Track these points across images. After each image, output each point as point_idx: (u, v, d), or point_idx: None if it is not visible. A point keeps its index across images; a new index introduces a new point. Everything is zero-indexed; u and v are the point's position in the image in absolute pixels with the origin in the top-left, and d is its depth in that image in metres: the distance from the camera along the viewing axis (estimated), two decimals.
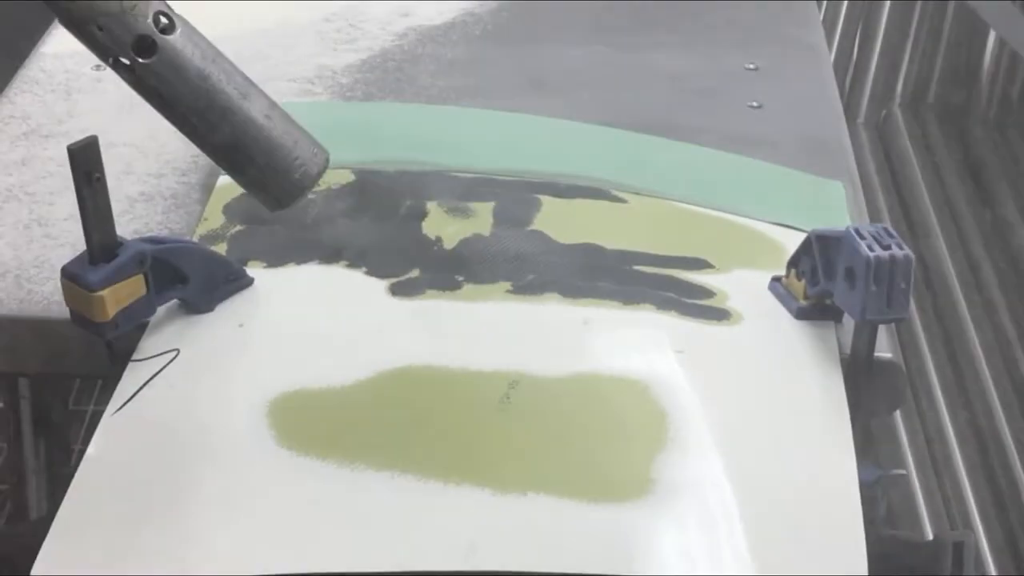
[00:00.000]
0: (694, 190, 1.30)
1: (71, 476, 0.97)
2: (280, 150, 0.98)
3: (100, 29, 0.90)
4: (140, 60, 0.92)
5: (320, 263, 1.18)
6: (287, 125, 0.99)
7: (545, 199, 1.27)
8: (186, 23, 0.94)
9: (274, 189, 1.00)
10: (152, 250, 1.04)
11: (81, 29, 0.91)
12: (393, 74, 1.52)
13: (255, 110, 0.97)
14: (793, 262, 1.12)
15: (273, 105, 0.99)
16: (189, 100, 0.95)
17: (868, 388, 1.07)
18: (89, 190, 0.99)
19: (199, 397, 1.04)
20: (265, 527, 0.93)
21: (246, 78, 0.97)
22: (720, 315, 1.13)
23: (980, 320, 2.34)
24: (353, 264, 1.18)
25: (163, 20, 0.92)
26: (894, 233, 1.02)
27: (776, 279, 1.15)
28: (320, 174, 1.01)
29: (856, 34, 2.93)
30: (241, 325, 1.11)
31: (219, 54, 0.96)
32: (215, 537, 0.93)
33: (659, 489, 0.96)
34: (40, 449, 1.43)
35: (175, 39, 0.93)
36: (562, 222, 1.24)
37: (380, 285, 1.15)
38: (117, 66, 0.92)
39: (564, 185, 1.30)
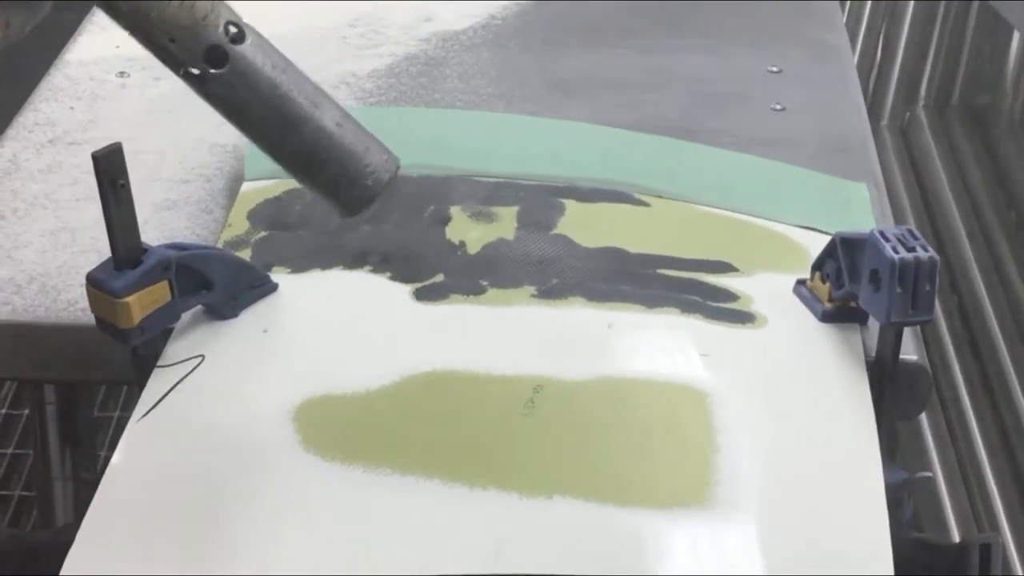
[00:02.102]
0: (718, 193, 1.30)
1: (97, 483, 0.97)
2: (351, 157, 0.98)
3: (173, 41, 0.90)
4: (212, 71, 0.92)
5: (344, 268, 1.18)
6: (358, 132, 0.99)
7: (568, 203, 1.27)
8: (256, 33, 0.93)
9: (345, 196, 0.99)
10: (177, 256, 1.05)
11: (154, 42, 0.91)
12: (416, 79, 1.52)
13: (326, 118, 0.97)
14: (818, 265, 1.12)
15: (344, 113, 0.98)
16: (260, 110, 0.94)
17: (893, 390, 1.07)
18: (114, 197, 0.99)
19: (224, 403, 1.04)
20: (290, 532, 0.93)
21: (316, 87, 0.97)
22: (745, 318, 1.13)
23: (1005, 321, 2.33)
24: (377, 269, 1.18)
25: (233, 30, 0.92)
26: (919, 235, 1.02)
27: (801, 282, 1.15)
28: (392, 180, 1.00)
29: (880, 36, 2.93)
30: (266, 331, 1.11)
31: (289, 63, 0.95)
32: (241, 542, 0.93)
33: (684, 492, 0.96)
34: (66, 456, 1.43)
35: (246, 48, 0.92)
36: (586, 226, 1.24)
37: (404, 290, 1.15)
38: (188, 77, 0.92)
39: (587, 189, 1.30)
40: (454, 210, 1.25)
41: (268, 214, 1.25)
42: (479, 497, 0.95)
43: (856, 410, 1.03)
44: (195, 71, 0.91)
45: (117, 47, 1.55)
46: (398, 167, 1.01)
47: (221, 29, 0.91)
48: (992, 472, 2.07)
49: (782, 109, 1.48)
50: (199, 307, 1.10)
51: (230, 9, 0.92)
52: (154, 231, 1.23)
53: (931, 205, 2.68)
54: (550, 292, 1.15)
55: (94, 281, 1.02)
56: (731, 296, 1.15)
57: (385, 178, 0.99)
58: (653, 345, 1.11)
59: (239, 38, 0.92)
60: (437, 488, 0.96)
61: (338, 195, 0.99)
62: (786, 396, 1.05)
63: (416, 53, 1.58)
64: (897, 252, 1.00)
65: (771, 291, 1.16)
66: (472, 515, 0.94)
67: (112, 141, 0.99)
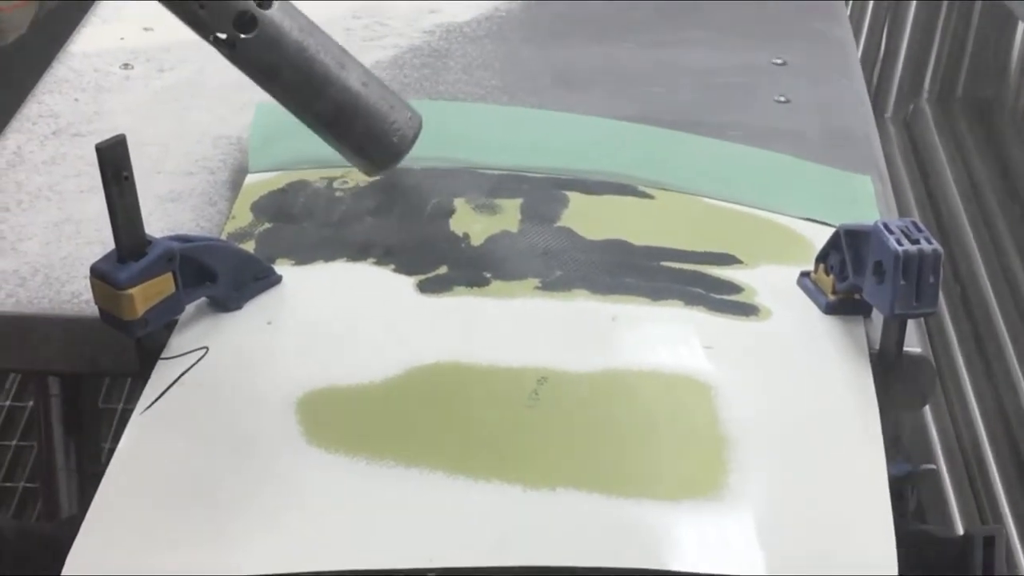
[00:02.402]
0: (721, 185, 1.30)
1: (101, 474, 0.97)
2: (377, 116, 1.00)
3: (203, 8, 0.91)
4: (241, 36, 0.93)
5: (348, 261, 1.18)
6: (383, 91, 1.01)
7: (572, 195, 1.27)
8: None
9: (373, 153, 1.01)
10: (181, 248, 1.05)
11: (184, 8, 0.92)
12: (420, 71, 1.52)
13: (352, 78, 0.98)
14: (821, 257, 1.12)
15: (368, 72, 1.00)
16: (288, 72, 0.96)
17: (897, 383, 1.07)
18: (117, 188, 0.99)
19: (228, 395, 1.04)
20: (294, 524, 0.93)
21: (341, 48, 0.99)
22: (748, 310, 1.13)
23: (1009, 314, 2.33)
24: (381, 261, 1.18)
25: None
26: (923, 227, 1.02)
27: (804, 274, 1.15)
28: (416, 137, 1.02)
29: (884, 28, 2.92)
30: (270, 323, 1.11)
31: (314, 26, 0.97)
32: (245, 534, 0.93)
33: (687, 485, 0.96)
34: (70, 447, 1.43)
35: (273, 13, 0.94)
36: (590, 218, 1.24)
37: (408, 282, 1.15)
38: (217, 42, 0.93)
39: (591, 181, 1.30)
40: (458, 202, 1.25)
41: (272, 206, 1.25)
42: (483, 489, 0.95)
43: (860, 402, 1.03)
44: (224, 36, 0.92)
45: (121, 39, 1.55)
46: (421, 124, 1.02)
47: None
48: (996, 465, 2.07)
49: (786, 101, 1.48)
50: (203, 299, 1.10)
51: None
52: (158, 223, 1.23)
53: (935, 198, 2.67)
54: (554, 284, 1.15)
55: (98, 273, 1.02)
56: (735, 288, 1.15)
57: (410, 135, 1.01)
58: (657, 337, 1.11)
59: (266, 3, 0.93)
60: (441, 480, 0.96)
61: (365, 152, 1.01)
62: (790, 388, 1.05)
63: (420, 45, 1.58)
64: (901, 244, 1.00)
65: (775, 283, 1.16)
66: (476, 507, 0.94)
67: (116, 133, 0.99)
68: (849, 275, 1.08)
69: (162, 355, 1.06)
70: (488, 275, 1.16)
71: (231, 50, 0.93)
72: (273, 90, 0.97)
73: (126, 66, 1.51)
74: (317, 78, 0.96)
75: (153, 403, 1.02)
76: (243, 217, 1.24)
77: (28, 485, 2.04)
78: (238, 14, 0.92)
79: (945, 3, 2.89)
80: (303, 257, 1.18)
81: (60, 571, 0.89)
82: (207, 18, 0.92)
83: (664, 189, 1.29)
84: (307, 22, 0.96)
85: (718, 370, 1.06)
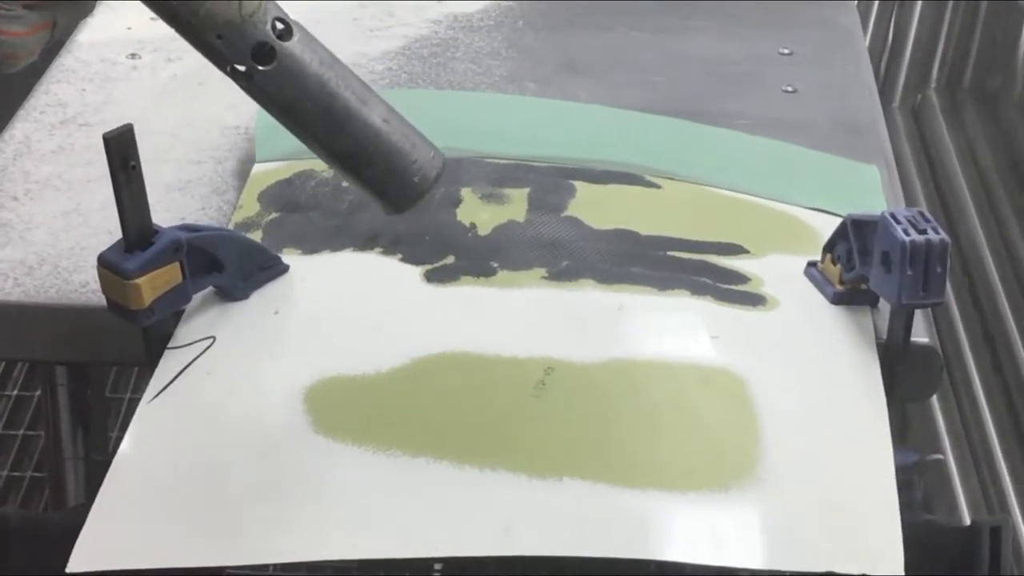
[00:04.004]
0: (729, 175, 1.30)
1: (108, 463, 0.97)
2: (399, 154, 0.96)
3: (220, 38, 0.89)
4: (259, 68, 0.91)
5: (355, 250, 1.18)
6: (405, 129, 0.98)
7: (579, 185, 1.27)
8: (303, 28, 0.92)
9: (393, 193, 0.98)
10: (188, 237, 1.05)
11: (200, 39, 0.90)
12: (427, 61, 1.52)
13: (374, 115, 0.95)
14: (829, 247, 1.12)
15: (390, 109, 0.97)
16: (307, 106, 0.93)
17: (904, 373, 1.07)
18: (125, 178, 0.99)
19: (235, 384, 1.04)
20: (301, 514, 0.93)
21: (363, 83, 0.96)
22: (756, 300, 1.13)
23: (1017, 303, 2.33)
24: (388, 251, 1.18)
25: (280, 26, 0.90)
26: (930, 217, 1.02)
27: (812, 264, 1.15)
28: (438, 177, 0.99)
29: (891, 18, 2.92)
30: (276, 312, 1.11)
31: (336, 59, 0.94)
32: (251, 523, 0.93)
33: (693, 475, 0.96)
34: (78, 437, 1.43)
35: (293, 45, 0.91)
36: (596, 208, 1.24)
37: (415, 272, 1.15)
38: (235, 74, 0.91)
39: (598, 171, 1.29)
40: (465, 192, 1.25)
41: (279, 196, 1.25)
42: (489, 479, 0.95)
43: (867, 392, 1.03)
44: (242, 68, 0.90)
45: (128, 28, 1.55)
46: (444, 164, 1.00)
47: (268, 25, 0.90)
48: (1003, 454, 2.06)
49: (793, 91, 1.48)
50: (210, 288, 1.10)
51: (277, 5, 0.91)
52: (165, 212, 1.23)
53: (942, 187, 2.67)
54: (561, 274, 1.15)
55: (105, 262, 1.02)
56: (742, 278, 1.15)
57: (432, 175, 0.98)
58: (664, 327, 1.11)
59: (286, 34, 0.91)
60: (447, 470, 0.96)
61: (385, 192, 0.98)
62: (797, 378, 1.05)
63: (427, 35, 1.58)
64: (908, 234, 1.00)
65: (782, 273, 1.16)
66: (482, 497, 0.94)
67: (123, 122, 0.99)
68: (856, 265, 1.08)
69: (169, 344, 1.07)
70: (495, 265, 1.16)
71: (248, 82, 0.91)
72: (291, 124, 0.94)
73: (133, 56, 1.51)
74: (337, 113, 0.94)
75: (160, 392, 1.03)
76: (250, 206, 1.24)
77: (35, 474, 2.04)
78: (256, 45, 0.90)
79: None
80: (310, 246, 1.18)
81: (67, 560, 0.89)
82: (224, 49, 0.89)
83: (671, 179, 1.29)
84: (328, 55, 0.94)
85: (724, 360, 1.06)
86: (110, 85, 1.47)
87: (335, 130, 0.95)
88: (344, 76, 0.95)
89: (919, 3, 2.90)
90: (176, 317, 1.08)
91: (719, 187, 1.28)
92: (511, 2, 1.66)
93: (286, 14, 0.91)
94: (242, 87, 0.92)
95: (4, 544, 1.03)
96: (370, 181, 0.97)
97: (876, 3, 2.90)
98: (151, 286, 1.02)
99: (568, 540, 0.92)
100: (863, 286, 1.09)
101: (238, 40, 0.89)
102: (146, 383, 1.04)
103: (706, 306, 1.12)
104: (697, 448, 0.98)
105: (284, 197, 1.25)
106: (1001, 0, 2.84)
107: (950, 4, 2.90)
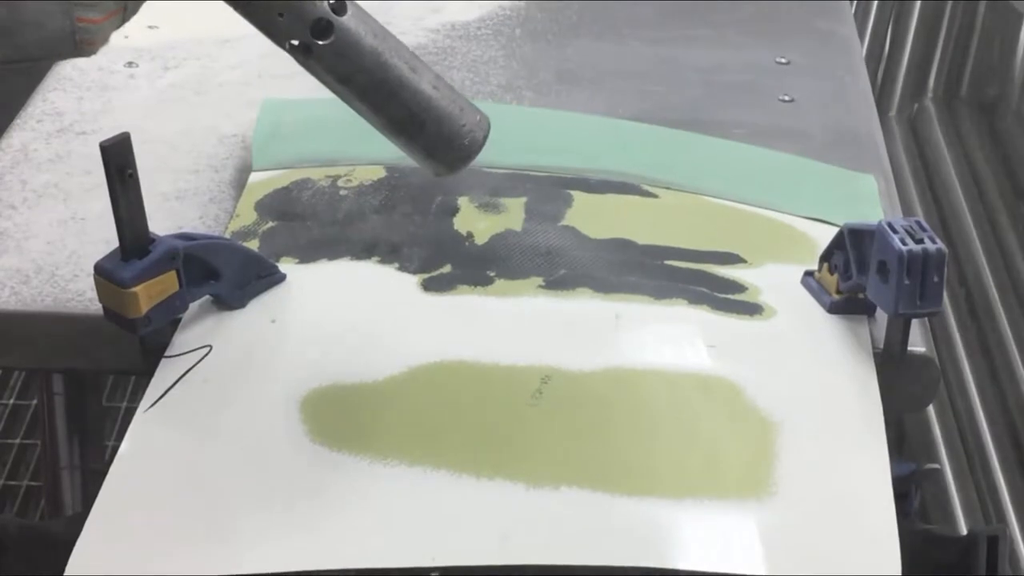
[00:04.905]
0: (725, 184, 1.30)
1: (105, 472, 0.97)
2: (448, 118, 1.00)
3: (281, 16, 0.92)
4: (318, 43, 0.93)
5: (352, 259, 1.18)
6: (453, 94, 1.01)
7: (576, 194, 1.27)
8: (355, 3, 0.95)
9: (445, 156, 1.01)
10: (184, 246, 1.05)
11: (261, 17, 0.92)
12: None
13: (424, 82, 0.99)
14: (825, 256, 1.12)
15: (439, 76, 1.01)
16: (363, 77, 0.96)
17: (901, 382, 1.07)
18: (122, 186, 0.99)
19: (232, 393, 1.04)
20: (298, 523, 0.93)
21: (412, 52, 0.99)
22: (752, 309, 1.13)
23: (1014, 313, 2.33)
24: (385, 260, 1.18)
25: (333, 0, 0.93)
26: (927, 227, 1.02)
27: (808, 273, 1.15)
28: (485, 139, 1.03)
29: (888, 27, 2.92)
30: (273, 321, 1.11)
31: (386, 31, 0.97)
32: (248, 533, 0.93)
33: (690, 483, 0.96)
34: (74, 446, 1.44)
35: (348, 19, 0.94)
36: (593, 217, 1.24)
37: (412, 281, 1.15)
38: (292, 50, 0.93)
39: (595, 180, 1.30)
40: (462, 201, 1.25)
41: (276, 204, 1.25)
42: (486, 487, 0.95)
43: (863, 402, 1.03)
44: (299, 43, 0.93)
45: (125, 37, 1.55)
46: (490, 126, 1.02)
47: (325, 1, 0.92)
48: (1000, 464, 2.07)
49: (790, 100, 1.48)
50: (207, 297, 1.10)
51: None
52: (162, 221, 1.23)
53: (939, 197, 2.67)
54: (558, 283, 1.15)
55: (102, 271, 1.02)
56: (739, 287, 1.15)
57: (480, 137, 1.02)
58: (660, 336, 1.11)
59: (341, 9, 0.94)
60: (444, 478, 0.96)
61: (436, 155, 1.01)
62: (794, 387, 1.05)
63: (424, 43, 1.58)
64: (905, 244, 1.00)
65: (779, 282, 1.16)
66: (479, 505, 0.94)
67: (120, 131, 0.99)
68: (853, 274, 1.08)
69: (166, 353, 1.07)
70: (492, 274, 1.16)
71: (306, 56, 0.94)
72: (348, 95, 0.97)
73: (131, 64, 1.51)
74: (391, 82, 0.97)
75: (157, 401, 1.03)
76: (247, 215, 1.24)
77: (32, 483, 2.05)
78: (315, 21, 0.93)
79: (950, 2, 2.89)
80: (307, 255, 1.18)
81: (63, 569, 0.89)
82: (285, 26, 0.92)
83: (668, 188, 1.29)
84: (379, 27, 0.97)
85: (721, 369, 1.06)
86: (107, 94, 1.47)
87: (389, 98, 0.98)
88: (395, 46, 0.98)
89: (916, 12, 2.91)
90: (173, 326, 1.08)
91: (716, 196, 1.28)
92: (509, 11, 1.66)
93: None
94: (299, 62, 0.95)
95: (1, 553, 1.03)
96: (423, 145, 1.01)
97: (873, 13, 2.91)
98: (148, 295, 1.03)
99: (566, 548, 0.92)
100: (860, 295, 1.09)
101: (298, 17, 0.92)
102: (143, 392, 1.04)
103: (703, 315, 1.12)
104: (694, 456, 0.98)
105: (281, 206, 1.25)
106: (999, 8, 2.84)
107: (947, 13, 2.90)
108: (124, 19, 0.91)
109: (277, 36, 0.93)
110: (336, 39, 0.94)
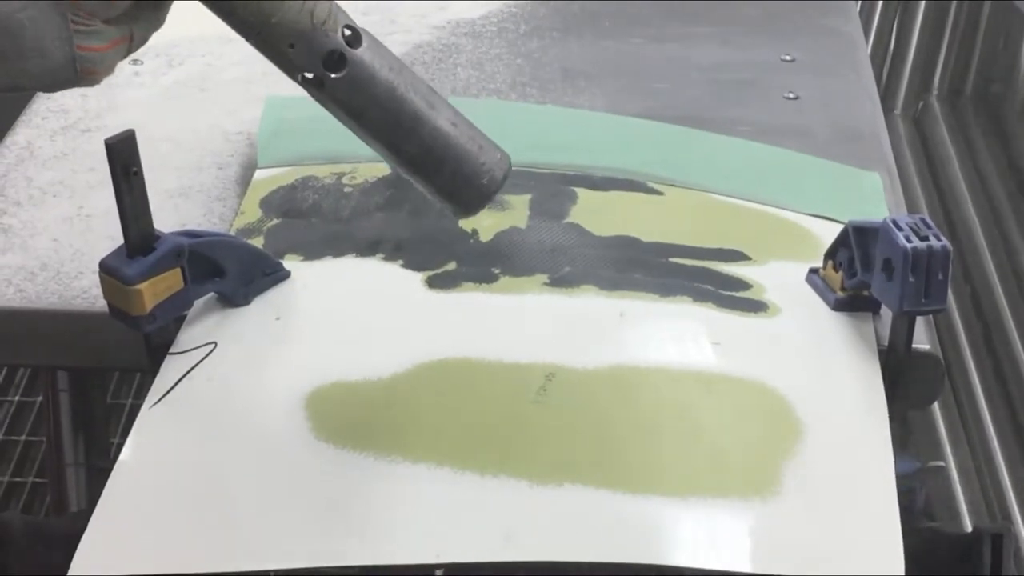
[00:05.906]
0: (730, 182, 1.30)
1: (110, 469, 0.97)
2: (467, 157, 0.96)
3: (292, 47, 0.89)
4: (331, 75, 0.90)
5: (357, 256, 1.18)
6: (472, 131, 0.97)
7: (581, 191, 1.27)
8: (370, 35, 0.92)
9: (463, 196, 0.97)
10: (189, 243, 1.05)
11: (272, 48, 0.90)
12: (430, 66, 1.52)
13: (442, 119, 0.95)
14: (830, 253, 1.12)
15: (457, 113, 0.97)
16: (377, 113, 0.92)
17: (906, 380, 1.07)
18: (126, 184, 0.99)
19: (236, 390, 1.04)
20: (303, 519, 0.93)
21: (429, 87, 0.96)
22: (757, 307, 1.13)
23: (1019, 311, 2.33)
24: (390, 257, 1.18)
25: (348, 32, 0.90)
26: (932, 224, 1.02)
27: (813, 271, 1.15)
28: (505, 178, 0.98)
29: (893, 25, 2.92)
30: (278, 318, 1.11)
31: (403, 65, 0.94)
32: (252, 530, 0.93)
33: (694, 481, 0.96)
34: (79, 443, 1.44)
35: (363, 52, 0.91)
36: (598, 214, 1.24)
37: (417, 278, 1.15)
38: (305, 82, 0.91)
39: (600, 177, 1.29)
40: None
41: (280, 201, 1.25)
42: (490, 484, 0.95)
43: (868, 399, 1.03)
44: (312, 76, 0.90)
45: None
46: (510, 165, 0.99)
47: (339, 33, 0.90)
48: (1005, 462, 2.07)
49: (795, 98, 1.48)
50: (211, 294, 1.10)
51: (345, 12, 0.91)
52: (167, 218, 1.23)
53: (944, 194, 2.67)
54: (562, 280, 1.15)
55: (106, 268, 1.02)
56: (743, 285, 1.15)
57: (499, 176, 0.98)
58: (665, 333, 1.11)
59: (355, 41, 0.90)
60: (448, 475, 0.96)
61: (454, 195, 0.97)
62: (798, 385, 1.05)
63: (430, 41, 1.58)
64: (910, 241, 1.00)
65: (783, 280, 1.16)
66: (483, 503, 0.94)
67: (125, 128, 0.99)
68: (858, 272, 1.08)
69: (171, 350, 1.07)
70: (496, 271, 1.16)
71: (319, 90, 0.91)
72: (361, 130, 0.94)
73: (135, 61, 1.51)
74: (407, 119, 0.93)
75: (161, 398, 1.03)
76: (252, 212, 1.24)
77: (37, 480, 2.05)
78: (327, 53, 0.90)
79: (955, 1, 2.89)
80: (312, 252, 1.18)
81: (68, 566, 0.89)
82: (295, 58, 0.89)
83: (673, 185, 1.29)
84: (395, 60, 0.93)
85: (726, 367, 1.06)
86: (112, 91, 1.47)
87: (405, 135, 0.95)
88: (411, 81, 0.94)
89: (921, 10, 2.90)
90: (178, 323, 1.08)
91: (720, 194, 1.28)
92: (514, 9, 1.66)
93: (354, 21, 0.91)
94: (312, 95, 0.92)
95: (6, 549, 1.03)
96: (440, 185, 0.97)
97: (878, 10, 2.91)
98: (153, 292, 1.02)
99: (569, 546, 0.91)
100: (864, 293, 1.09)
101: (309, 49, 0.89)
102: (147, 389, 1.04)
103: (707, 312, 1.12)
104: (698, 454, 0.98)
105: (286, 203, 1.25)
106: (1003, 6, 2.84)
107: (952, 11, 2.90)
108: (131, 49, 0.88)
109: (288, 68, 0.91)
110: (349, 73, 0.91)
